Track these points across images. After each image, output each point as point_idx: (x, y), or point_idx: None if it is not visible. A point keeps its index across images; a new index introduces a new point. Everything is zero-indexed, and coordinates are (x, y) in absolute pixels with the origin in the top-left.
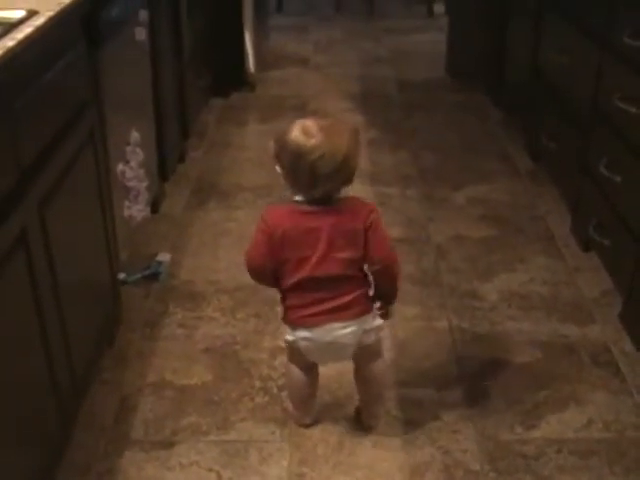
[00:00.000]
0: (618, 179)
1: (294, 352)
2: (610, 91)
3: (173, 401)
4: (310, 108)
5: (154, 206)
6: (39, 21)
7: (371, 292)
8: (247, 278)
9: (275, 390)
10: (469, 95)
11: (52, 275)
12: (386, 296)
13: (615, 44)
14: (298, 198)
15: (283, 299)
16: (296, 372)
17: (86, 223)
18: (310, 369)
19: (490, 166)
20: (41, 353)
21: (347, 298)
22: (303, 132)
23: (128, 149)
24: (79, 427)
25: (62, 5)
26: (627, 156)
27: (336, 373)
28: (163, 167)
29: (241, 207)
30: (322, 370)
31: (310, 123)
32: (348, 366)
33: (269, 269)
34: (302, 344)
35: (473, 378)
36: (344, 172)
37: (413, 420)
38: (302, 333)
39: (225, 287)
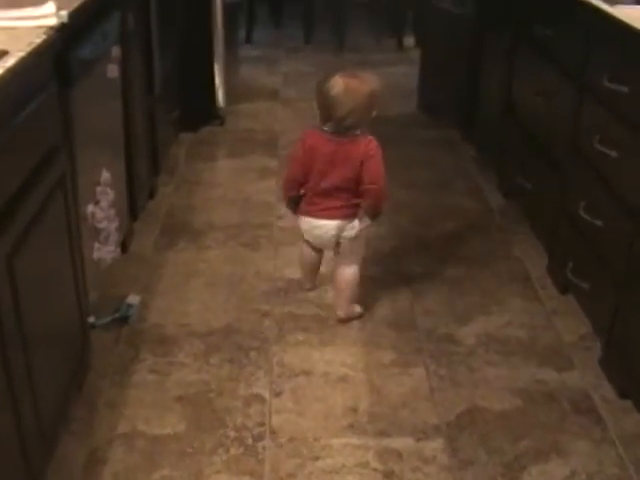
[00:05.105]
0: (598, 223)
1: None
2: (589, 133)
3: (145, 453)
4: (281, 144)
5: (123, 245)
6: (9, 62)
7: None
8: (219, 322)
9: (250, 441)
10: (441, 131)
11: (19, 323)
12: (369, 214)
13: (594, 87)
14: (325, 128)
15: (303, 198)
16: (305, 248)
17: (55, 268)
18: (317, 250)
19: (463, 204)
20: (7, 404)
21: (336, 203)
22: (333, 82)
23: (98, 189)
24: None
25: (33, 45)
26: (607, 200)
27: None
28: (133, 205)
29: (212, 247)
30: None
31: (340, 80)
32: None
33: (301, 172)
34: (302, 226)
35: (452, 427)
36: (350, 118)
37: (393, 472)
38: (303, 219)
39: (197, 331)
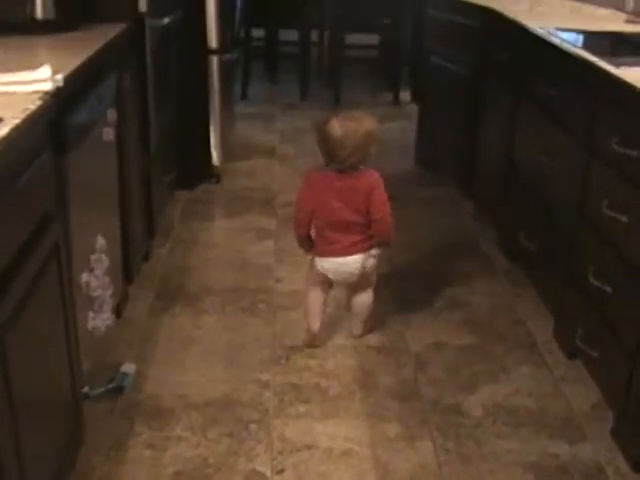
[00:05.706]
0: (608, 289)
1: (316, 273)
2: (597, 197)
3: None
4: (279, 202)
5: (118, 310)
6: (3, 131)
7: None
8: (217, 392)
9: None
10: (440, 189)
11: (9, 399)
12: (379, 244)
13: (602, 150)
14: (329, 167)
15: (315, 239)
16: (313, 291)
17: (48, 340)
18: (323, 290)
19: (466, 265)
20: None
21: (355, 239)
22: (331, 126)
23: (93, 257)
24: None
25: (28, 112)
26: (618, 266)
27: None
28: (127, 269)
29: (209, 312)
30: None
31: (337, 123)
32: None
33: (310, 211)
34: (325, 266)
35: None
36: (353, 157)
37: None
38: (325, 260)
39: (194, 402)
